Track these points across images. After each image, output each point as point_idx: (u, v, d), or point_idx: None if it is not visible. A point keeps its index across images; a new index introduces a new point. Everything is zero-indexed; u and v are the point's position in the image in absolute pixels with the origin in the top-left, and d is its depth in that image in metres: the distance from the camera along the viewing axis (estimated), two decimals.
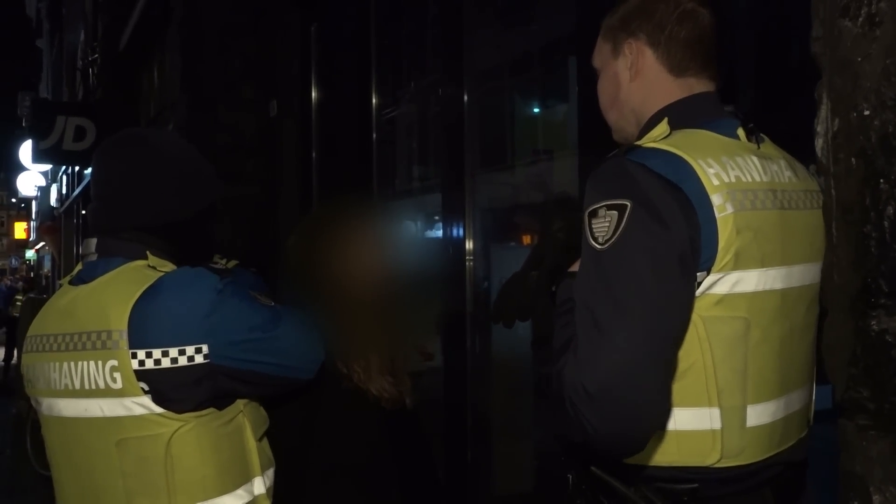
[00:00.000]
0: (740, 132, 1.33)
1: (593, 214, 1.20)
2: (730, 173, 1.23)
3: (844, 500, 1.32)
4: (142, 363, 1.39)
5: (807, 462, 1.39)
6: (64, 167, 15.89)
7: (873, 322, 1.25)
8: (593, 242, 1.18)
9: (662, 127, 1.29)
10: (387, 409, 1.72)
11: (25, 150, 15.20)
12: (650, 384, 1.13)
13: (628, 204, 1.16)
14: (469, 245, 3.60)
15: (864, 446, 1.29)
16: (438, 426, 3.53)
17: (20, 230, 37.14)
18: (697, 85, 1.37)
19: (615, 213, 1.16)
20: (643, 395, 1.12)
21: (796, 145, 1.42)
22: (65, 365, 1.47)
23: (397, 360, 1.77)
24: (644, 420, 1.14)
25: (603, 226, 1.17)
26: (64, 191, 18.09)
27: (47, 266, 26.08)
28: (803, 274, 1.32)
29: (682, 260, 1.16)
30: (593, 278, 1.18)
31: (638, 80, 1.39)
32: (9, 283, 21.90)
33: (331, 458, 1.67)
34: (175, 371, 1.39)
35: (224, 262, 1.78)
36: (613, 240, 1.16)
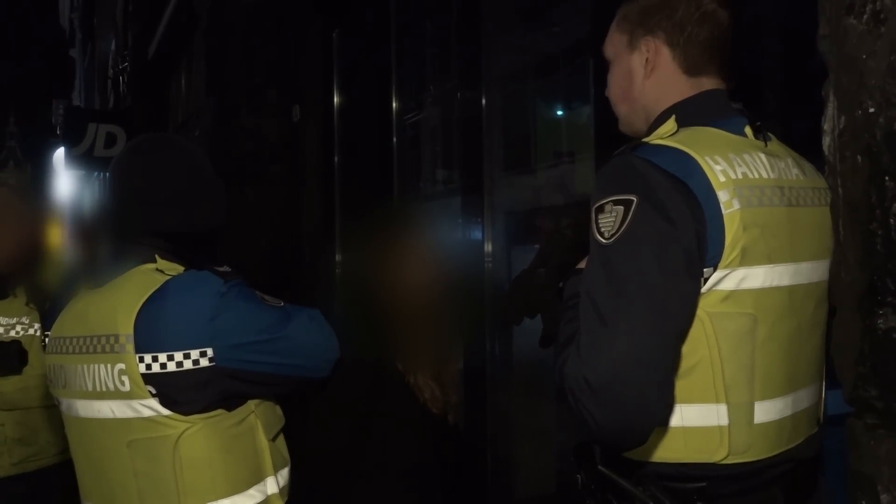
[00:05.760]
0: (747, 130, 1.32)
1: (600, 210, 1.20)
2: (736, 170, 1.23)
3: (853, 500, 1.31)
4: (148, 367, 1.41)
5: (819, 459, 1.38)
6: (95, 173, 16.12)
7: (880, 320, 1.25)
8: (599, 237, 1.19)
9: (670, 124, 1.30)
10: (434, 413, 1.75)
11: (59, 157, 15.46)
12: (653, 378, 1.13)
13: (634, 199, 1.17)
14: (488, 247, 3.61)
15: (873, 445, 1.28)
16: (458, 428, 3.53)
17: None
18: (707, 83, 1.37)
19: (621, 208, 1.17)
20: (645, 389, 1.13)
21: (819, 143, 1.41)
22: (79, 367, 1.50)
23: (445, 369, 1.79)
24: (646, 413, 1.15)
25: (609, 220, 1.18)
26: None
27: None
28: (812, 271, 1.31)
29: (687, 255, 1.16)
30: (598, 272, 1.19)
31: (652, 78, 1.37)
32: None
33: (385, 451, 1.70)
34: (181, 374, 1.41)
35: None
36: (619, 234, 1.16)
